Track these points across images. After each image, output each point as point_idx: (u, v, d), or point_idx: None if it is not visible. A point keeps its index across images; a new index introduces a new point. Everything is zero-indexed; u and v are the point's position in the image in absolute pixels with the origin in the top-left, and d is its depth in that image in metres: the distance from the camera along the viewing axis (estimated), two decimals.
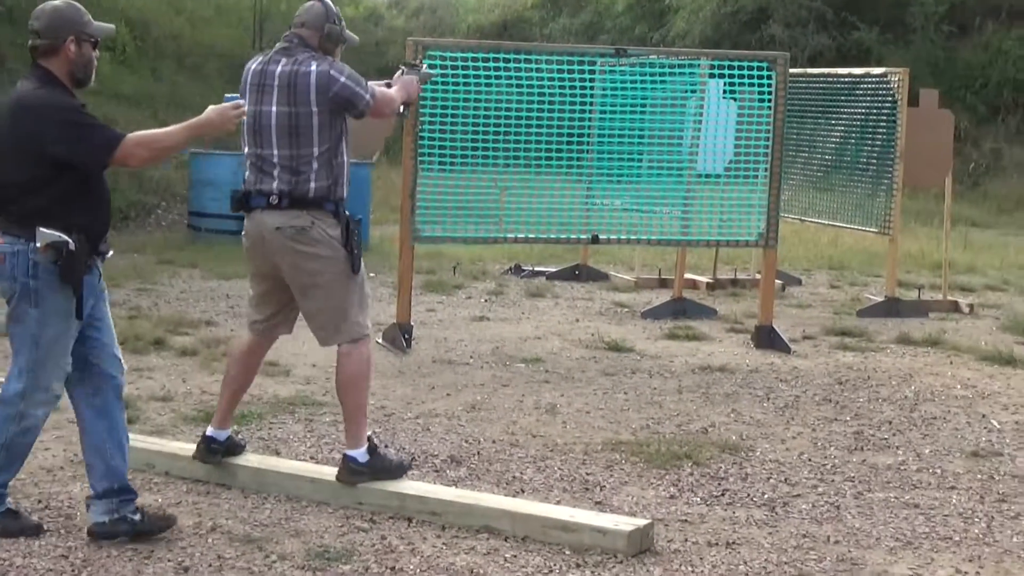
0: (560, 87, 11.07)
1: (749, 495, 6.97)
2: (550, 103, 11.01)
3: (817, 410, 8.97)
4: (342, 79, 6.52)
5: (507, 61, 10.77)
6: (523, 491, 6.93)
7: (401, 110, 7.15)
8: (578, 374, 9.89)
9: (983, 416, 8.92)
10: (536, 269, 15.23)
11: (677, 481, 7.16)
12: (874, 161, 13.82)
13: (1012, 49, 30.18)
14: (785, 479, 7.28)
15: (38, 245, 5.59)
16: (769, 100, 11.19)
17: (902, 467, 7.59)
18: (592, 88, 11.47)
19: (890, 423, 8.64)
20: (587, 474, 7.25)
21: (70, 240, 5.59)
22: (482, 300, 13.30)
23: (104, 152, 5.62)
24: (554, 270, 15.12)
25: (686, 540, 6.21)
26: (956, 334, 12.15)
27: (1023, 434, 8.46)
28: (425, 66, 7.36)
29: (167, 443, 7.26)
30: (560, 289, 14.15)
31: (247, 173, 6.60)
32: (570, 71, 11.06)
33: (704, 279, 14.65)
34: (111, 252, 6.01)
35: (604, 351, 10.78)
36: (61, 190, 5.61)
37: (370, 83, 6.77)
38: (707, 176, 12.21)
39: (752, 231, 11.34)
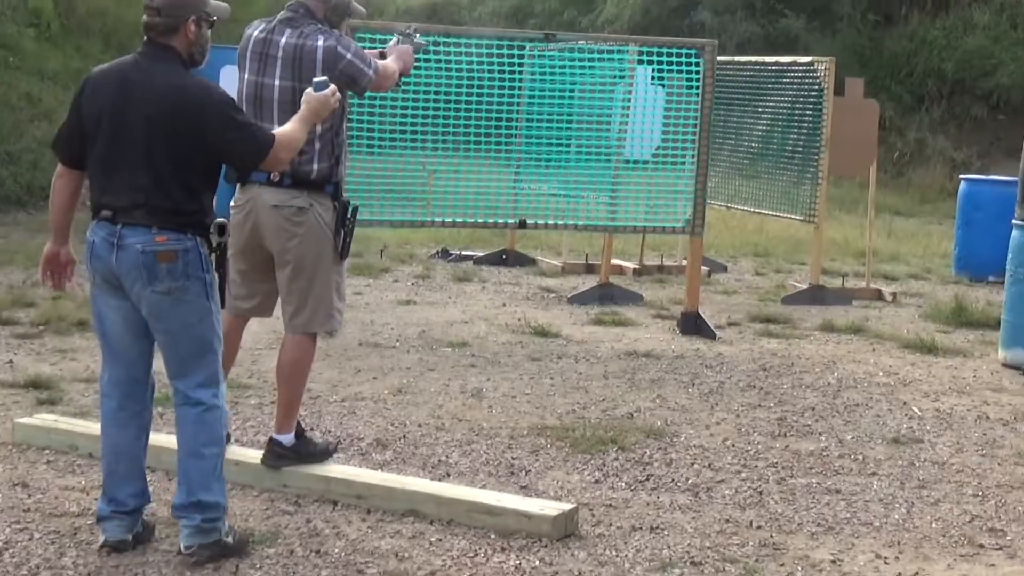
0: (488, 71, 11.06)
1: (673, 480, 7.01)
2: (479, 87, 11.00)
3: (741, 396, 9.03)
4: (348, 55, 6.39)
5: (436, 44, 10.74)
6: (449, 475, 6.93)
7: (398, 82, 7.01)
8: (504, 359, 9.90)
9: (904, 403, 9.02)
10: (463, 253, 15.23)
11: (602, 466, 7.19)
12: (800, 149, 13.91)
13: (937, 39, 30.44)
14: (709, 464, 7.33)
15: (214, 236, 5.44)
16: (697, 87, 11.23)
17: (824, 453, 7.66)
18: (520, 73, 11.46)
19: (813, 409, 8.71)
20: (513, 458, 7.27)
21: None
22: (409, 284, 13.29)
23: (262, 152, 5.43)
24: (481, 254, 15.13)
25: (611, 524, 6.24)
26: (879, 322, 12.27)
27: (944, 421, 8.56)
28: (418, 36, 7.19)
29: (91, 425, 7.21)
30: (487, 273, 14.16)
31: None
32: (499, 55, 11.05)
33: (631, 265, 14.71)
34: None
35: (530, 336, 10.80)
36: (203, 182, 5.42)
37: (373, 59, 6.66)
38: (634, 162, 12.25)
39: (679, 218, 11.39)
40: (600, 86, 11.92)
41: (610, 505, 6.54)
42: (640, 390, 9.06)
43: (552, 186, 12.18)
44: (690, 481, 7.01)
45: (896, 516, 6.57)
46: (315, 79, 5.83)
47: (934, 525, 6.46)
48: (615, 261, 14.01)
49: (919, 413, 8.75)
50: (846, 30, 31.01)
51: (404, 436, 7.61)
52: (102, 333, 5.57)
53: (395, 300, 12.25)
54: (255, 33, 6.54)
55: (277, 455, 6.54)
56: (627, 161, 12.07)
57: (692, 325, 11.22)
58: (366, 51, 6.70)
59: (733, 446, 7.73)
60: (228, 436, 6.14)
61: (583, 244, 15.75)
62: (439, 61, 10.79)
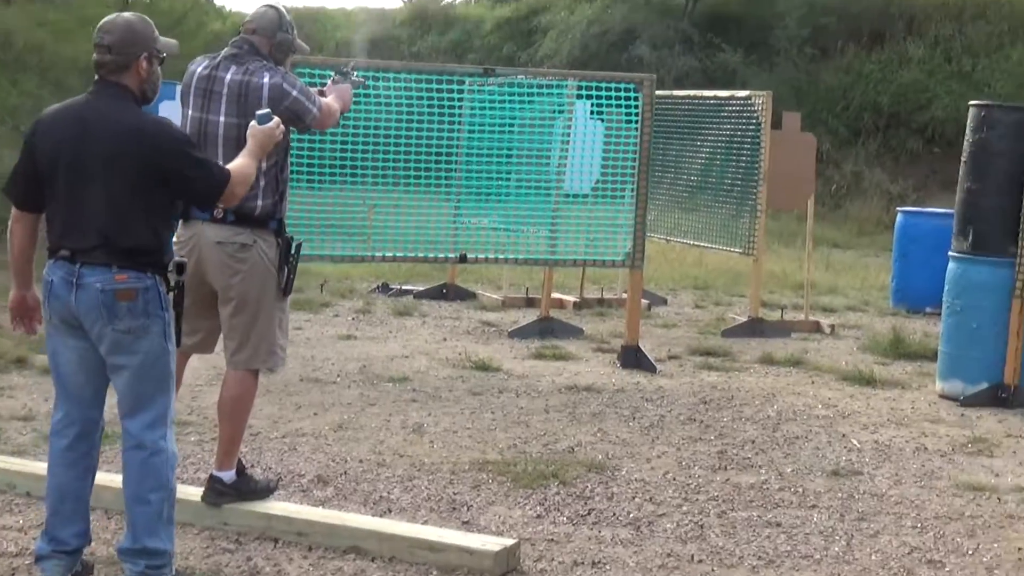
0: (428, 106, 11.07)
1: (615, 514, 7.02)
2: (418, 122, 11.00)
3: (682, 429, 9.06)
4: (294, 93, 6.38)
5: (376, 79, 10.74)
6: (390, 511, 6.91)
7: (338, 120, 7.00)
8: (445, 393, 9.89)
9: (843, 435, 9.07)
10: (403, 288, 15.22)
11: (544, 500, 7.19)
12: (739, 182, 13.99)
13: (872, 73, 30.77)
14: (650, 498, 7.34)
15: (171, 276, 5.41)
16: (636, 121, 11.28)
17: (764, 486, 7.69)
18: (460, 107, 11.49)
19: (753, 442, 8.74)
20: (454, 494, 7.26)
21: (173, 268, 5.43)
22: (349, 318, 13.26)
23: (219, 188, 5.39)
24: (421, 289, 15.12)
25: (552, 559, 6.23)
26: (818, 354, 12.34)
27: (882, 453, 8.61)
28: (357, 73, 7.17)
29: (29, 463, 7.15)
30: (427, 308, 14.16)
31: None
32: (438, 90, 11.06)
33: (571, 298, 14.74)
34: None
35: (471, 370, 10.80)
36: (161, 220, 5.37)
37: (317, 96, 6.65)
38: (574, 196, 12.28)
39: (619, 251, 11.42)
40: (539, 120, 11.96)
41: (552, 540, 6.54)
42: (581, 424, 9.07)
43: (492, 220, 12.20)
44: (631, 515, 7.02)
45: (836, 549, 6.60)
46: (258, 112, 5.82)
47: (873, 557, 6.49)
48: (555, 295, 14.04)
49: (858, 445, 8.80)
50: (783, 64, 31.29)
51: (345, 472, 7.58)
52: (57, 373, 5.52)
53: (335, 335, 12.22)
54: (199, 69, 6.52)
55: (217, 492, 6.50)
56: (567, 195, 12.10)
57: (632, 358, 11.25)
58: (310, 88, 6.69)
59: (674, 480, 7.75)
60: None
61: (523, 278, 15.77)
62: (379, 96, 10.78)
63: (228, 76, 6.40)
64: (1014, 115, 10.86)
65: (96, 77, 5.40)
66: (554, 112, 11.99)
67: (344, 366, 10.74)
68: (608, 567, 6.18)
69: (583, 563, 6.21)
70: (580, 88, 11.77)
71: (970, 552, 6.64)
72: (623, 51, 31.53)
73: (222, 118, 6.36)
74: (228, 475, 6.51)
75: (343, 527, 6.34)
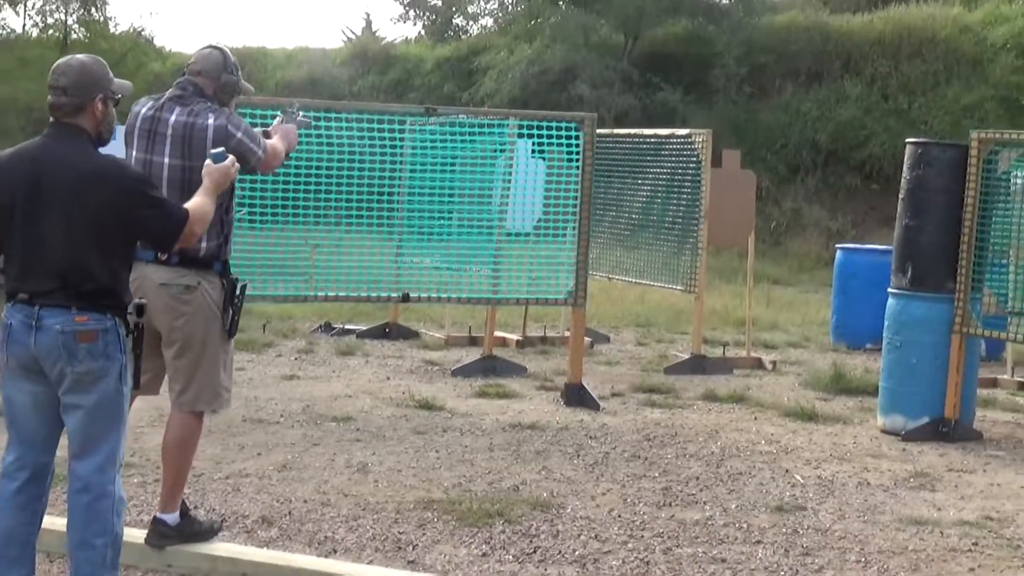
0: (370, 145, 11.07)
1: (560, 552, 7.01)
2: (360, 161, 10.99)
3: (626, 466, 9.07)
4: (239, 134, 6.36)
5: (317, 119, 10.73)
6: (335, 551, 6.89)
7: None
8: (389, 432, 9.87)
9: (787, 471, 9.11)
10: (346, 327, 15.19)
11: (489, 539, 7.18)
12: (680, 220, 14.06)
13: (810, 111, 31.03)
14: (596, 535, 7.34)
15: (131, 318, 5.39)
16: (577, 159, 11.33)
17: (709, 522, 7.71)
18: (402, 146, 11.50)
19: (697, 479, 8.77)
20: (400, 533, 7.23)
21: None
22: (292, 358, 13.22)
23: (178, 228, 5.39)
24: (364, 328, 15.09)
25: None
26: (760, 390, 12.40)
27: (826, 488, 8.65)
28: (301, 114, 7.17)
29: None
30: (370, 347, 14.13)
31: None
32: (380, 129, 11.07)
33: (514, 336, 14.75)
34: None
35: (415, 409, 10.78)
36: (121, 261, 5.36)
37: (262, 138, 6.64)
38: (516, 234, 12.30)
39: (561, 289, 11.44)
40: (481, 159, 11.98)
41: None
42: (526, 462, 9.07)
43: (435, 259, 12.20)
44: (577, 553, 7.02)
45: None
46: (212, 151, 5.84)
47: None
48: (498, 333, 14.05)
49: (801, 480, 8.84)
50: (722, 102, 31.51)
51: (290, 513, 7.55)
52: (11, 416, 5.47)
53: (278, 375, 12.18)
54: (143, 110, 6.50)
55: (161, 534, 6.46)
56: (509, 233, 12.12)
57: (576, 396, 11.27)
58: (255, 129, 6.68)
59: (619, 517, 7.76)
60: None
61: (466, 317, 15.77)
62: (320, 135, 10.78)
63: (172, 118, 6.38)
64: (951, 152, 10.97)
65: (51, 119, 5.38)
66: (496, 151, 12.01)
67: (287, 406, 10.70)
68: None
69: None
70: (521, 127, 11.81)
71: None
72: (563, 90, 31.66)
73: (167, 159, 6.34)
74: (172, 517, 6.47)
75: (288, 568, 6.32)
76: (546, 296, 11.75)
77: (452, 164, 11.71)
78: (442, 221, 11.93)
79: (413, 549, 6.97)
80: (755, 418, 11.06)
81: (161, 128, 6.38)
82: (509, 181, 11.99)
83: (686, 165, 13.96)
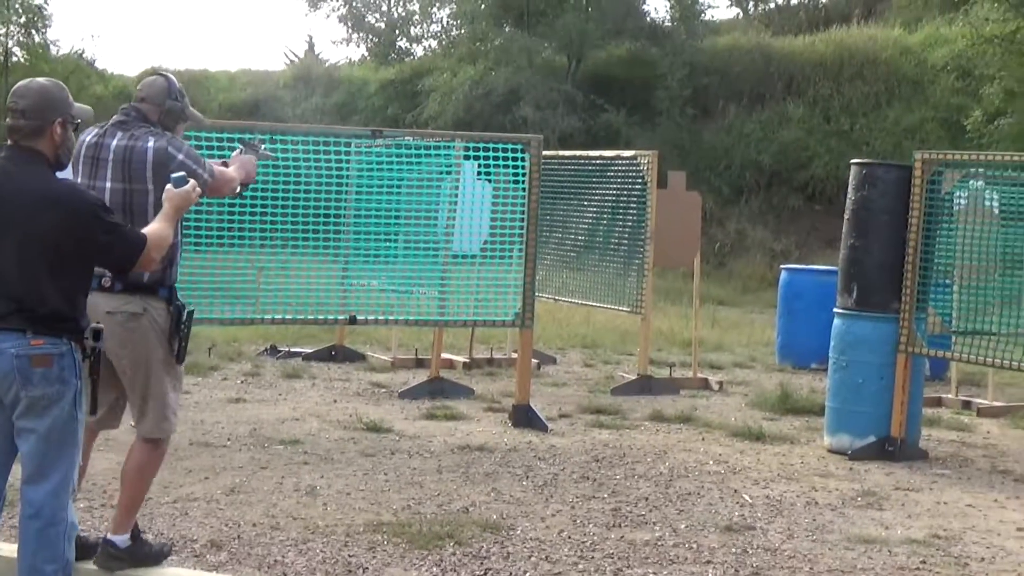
0: (316, 167, 11.04)
1: (512, 573, 7.00)
2: (306, 183, 10.96)
3: (576, 488, 9.07)
4: (180, 156, 6.33)
5: (261, 142, 10.65)
6: (285, 575, 6.85)
7: (238, 190, 6.97)
8: (337, 455, 9.83)
9: (735, 491, 9.13)
10: (292, 350, 15.13)
11: (440, 561, 7.15)
12: (625, 241, 14.09)
13: (753, 132, 31.23)
14: (546, 557, 7.33)
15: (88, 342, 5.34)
16: (523, 181, 11.34)
17: (659, 543, 7.71)
18: (347, 168, 11.47)
19: (647, 499, 8.77)
20: (350, 556, 7.20)
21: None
22: (238, 381, 13.16)
23: (135, 253, 5.35)
24: (310, 351, 15.04)
25: None
26: (707, 411, 12.44)
27: (774, 508, 8.68)
28: (264, 146, 7.16)
29: None
30: (317, 370, 14.08)
31: None
32: (325, 152, 11.04)
33: (461, 359, 14.73)
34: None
35: (363, 432, 10.74)
36: (77, 286, 5.32)
37: (208, 161, 6.62)
38: (463, 256, 12.29)
39: (508, 311, 11.43)
40: (427, 181, 11.97)
41: None
42: (475, 484, 9.05)
43: (381, 281, 12.17)
44: (528, 574, 7.00)
45: None
46: (173, 175, 5.83)
47: None
48: (445, 355, 14.03)
49: (750, 500, 8.86)
50: (665, 124, 31.66)
51: (239, 536, 7.50)
52: None
53: (225, 398, 12.11)
54: (88, 138, 6.48)
55: (111, 556, 6.40)
56: (455, 255, 12.11)
57: (524, 417, 11.26)
58: (205, 157, 6.66)
59: (569, 538, 7.75)
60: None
61: (413, 339, 15.73)
62: (265, 158, 10.72)
63: (114, 143, 6.38)
64: (895, 173, 11.05)
65: (9, 142, 5.33)
66: (441, 173, 12.01)
67: (234, 429, 10.64)
68: None
69: None
70: (467, 149, 11.81)
71: None
72: (507, 112, 31.75)
73: (108, 184, 6.31)
74: (122, 539, 6.42)
75: None
76: (493, 318, 11.74)
77: (398, 186, 11.69)
78: (388, 243, 11.89)
79: (364, 572, 6.93)
80: (703, 438, 11.08)
81: (103, 154, 6.37)
82: (455, 203, 11.98)
83: (632, 186, 14.00)
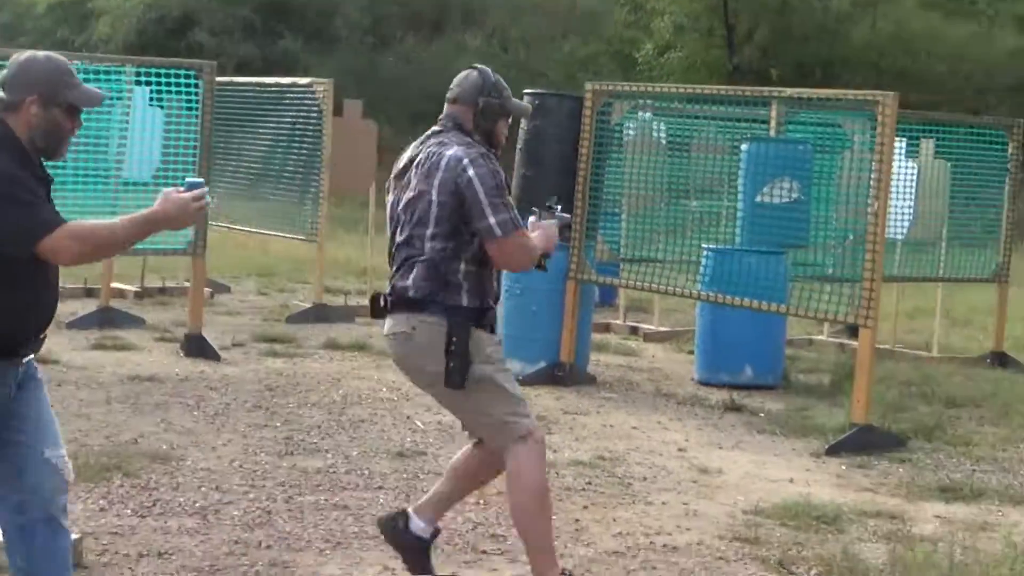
0: None
1: (180, 504, 6.93)
2: None
3: (248, 417, 9.02)
4: (469, 172, 5.54)
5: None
6: None
7: (540, 264, 5.99)
8: None
9: (408, 417, 9.22)
10: None
11: (107, 493, 7.03)
12: (301, 169, 14.03)
13: (431, 62, 31.33)
14: (216, 487, 7.28)
15: None
16: (196, 108, 11.16)
17: (331, 470, 7.74)
18: None
19: (319, 427, 8.79)
20: None
21: None
22: None
23: (28, 237, 4.46)
24: None
25: (117, 552, 6.11)
26: (381, 339, 12.46)
27: (446, 433, 8.79)
28: (559, 208, 6.22)
29: None
30: None
31: None
32: None
33: (132, 288, 14.46)
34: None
35: None
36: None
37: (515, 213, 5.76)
38: (134, 184, 12.03)
39: (180, 239, 11.24)
40: (96, 107, 11.63)
41: (116, 533, 6.40)
42: (144, 415, 8.92)
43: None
44: (197, 504, 6.94)
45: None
46: (188, 179, 4.72)
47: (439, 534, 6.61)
48: (115, 284, 13.73)
49: (422, 427, 8.96)
50: (344, 52, 31.54)
51: None
52: None
53: None
54: (404, 157, 5.82)
55: None
56: (126, 183, 11.85)
57: (196, 347, 11.13)
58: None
59: (241, 467, 7.71)
60: None
61: (82, 268, 15.34)
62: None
63: (423, 152, 5.71)
64: (566, 103, 11.26)
65: None
66: (112, 99, 11.70)
67: None
68: (174, 556, 6.09)
69: (148, 555, 6.11)
70: (139, 74, 11.55)
71: None
72: (181, 38, 31.17)
73: (410, 193, 5.68)
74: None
75: None
76: (165, 246, 11.54)
77: None
78: (56, 170, 11.51)
79: None
80: (377, 366, 11.14)
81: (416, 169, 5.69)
82: (126, 129, 11.70)
83: (307, 115, 13.92)
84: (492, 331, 5.70)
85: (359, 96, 16.95)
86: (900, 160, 12.15)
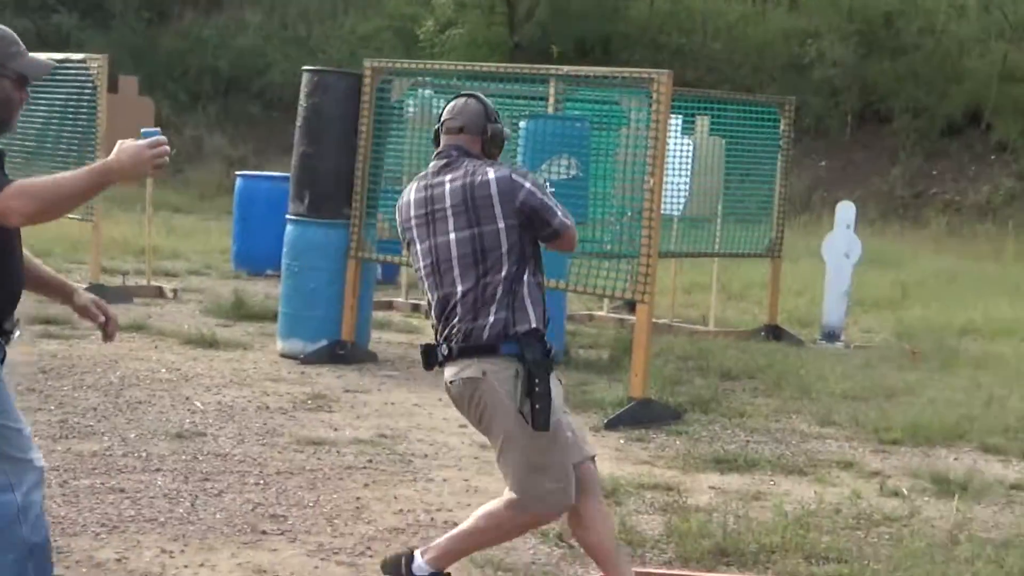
0: None
1: None
2: None
3: (21, 401, 8.72)
4: (527, 184, 5.30)
5: None
6: None
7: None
8: None
9: (187, 398, 9.12)
10: None
11: None
12: (75, 147, 13.75)
13: (211, 38, 30.95)
14: None
15: None
16: None
17: (107, 453, 7.62)
18: None
19: (95, 410, 8.64)
20: None
21: None
22: None
23: None
24: None
25: None
26: (160, 319, 12.33)
27: (226, 414, 8.72)
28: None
29: None
30: None
31: None
32: None
33: None
34: (18, 333, 4.59)
35: None
36: None
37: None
38: None
39: None
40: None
41: None
42: None
43: None
44: None
45: (180, 510, 6.63)
46: (144, 129, 4.36)
47: (218, 516, 6.57)
48: None
49: (202, 407, 8.87)
50: (119, 27, 30.96)
51: None
52: None
53: None
54: (412, 196, 5.42)
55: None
56: None
57: None
58: None
59: None
60: None
61: None
62: None
63: (447, 188, 5.33)
64: (347, 81, 11.22)
65: None
66: None
67: None
68: None
69: None
70: None
71: (311, 504, 6.84)
72: None
73: (452, 235, 5.28)
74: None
75: None
76: None
77: None
78: None
79: None
80: (156, 347, 10.99)
81: (437, 205, 5.32)
82: None
83: (81, 91, 13.64)
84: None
85: (136, 73, 16.70)
86: (676, 137, 12.38)
